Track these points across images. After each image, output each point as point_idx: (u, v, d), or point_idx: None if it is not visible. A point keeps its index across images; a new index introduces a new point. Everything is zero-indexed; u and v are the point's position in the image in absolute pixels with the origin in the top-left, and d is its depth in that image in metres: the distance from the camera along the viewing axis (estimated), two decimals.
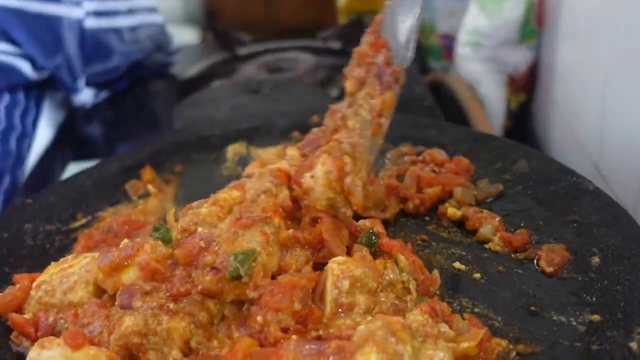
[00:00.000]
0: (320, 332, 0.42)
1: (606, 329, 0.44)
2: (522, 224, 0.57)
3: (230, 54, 1.26)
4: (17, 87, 1.01)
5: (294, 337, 0.41)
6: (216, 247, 0.45)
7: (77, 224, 0.65)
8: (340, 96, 1.00)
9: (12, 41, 0.99)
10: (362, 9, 1.43)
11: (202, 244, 0.46)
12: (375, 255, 0.50)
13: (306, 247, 0.48)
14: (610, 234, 0.52)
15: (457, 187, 0.61)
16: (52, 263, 0.52)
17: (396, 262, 0.47)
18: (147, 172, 0.71)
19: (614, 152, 0.76)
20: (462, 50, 1.17)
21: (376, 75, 0.57)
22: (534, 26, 1.09)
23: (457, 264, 0.54)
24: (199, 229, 0.48)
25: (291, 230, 0.49)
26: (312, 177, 0.52)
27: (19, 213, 0.65)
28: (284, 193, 0.52)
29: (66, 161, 0.98)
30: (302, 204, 0.52)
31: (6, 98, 0.99)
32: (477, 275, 0.52)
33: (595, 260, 0.50)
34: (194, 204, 0.53)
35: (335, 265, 0.45)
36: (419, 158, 0.66)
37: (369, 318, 0.42)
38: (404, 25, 0.57)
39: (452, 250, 0.56)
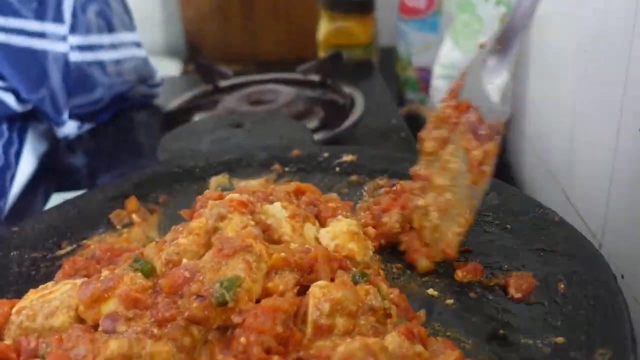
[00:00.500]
0: (301, 353, 0.44)
1: (570, 351, 0.46)
2: (492, 253, 0.60)
3: (212, 86, 1.28)
4: (0, 119, 1.03)
5: (276, 358, 0.43)
6: (201, 277, 0.47)
7: (62, 251, 0.67)
8: (318, 128, 1.03)
9: None
10: (340, 43, 1.46)
11: (187, 274, 0.48)
12: (355, 282, 0.52)
13: (295, 269, 0.50)
14: (574, 262, 0.55)
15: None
16: (31, 290, 0.52)
17: (378, 290, 0.49)
18: (132, 202, 0.72)
19: (583, 183, 0.80)
20: (437, 82, 1.20)
21: (470, 130, 0.58)
22: None
23: (430, 291, 0.56)
24: (184, 260, 0.50)
25: (283, 253, 0.50)
26: None
27: (5, 241, 0.66)
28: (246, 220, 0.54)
29: (49, 192, 0.99)
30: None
31: None
32: (450, 301, 0.55)
33: (561, 286, 0.53)
34: (167, 237, 0.55)
35: (317, 288, 0.47)
36: (392, 189, 0.69)
37: (348, 340, 0.44)
38: (495, 86, 0.59)
39: (426, 278, 0.58)
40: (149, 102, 1.32)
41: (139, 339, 0.44)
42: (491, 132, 0.58)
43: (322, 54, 1.50)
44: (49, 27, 1.05)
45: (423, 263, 0.59)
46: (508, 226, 0.63)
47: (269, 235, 0.55)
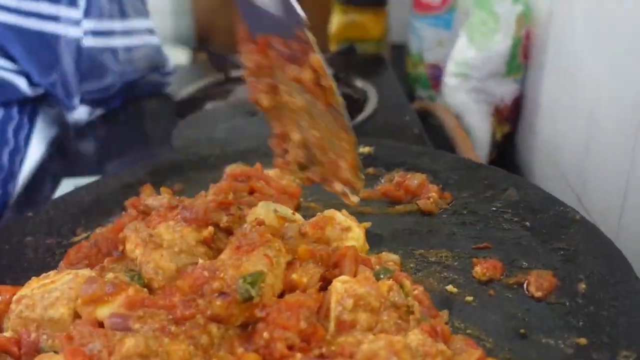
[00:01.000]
0: (323, 349, 0.44)
1: (592, 352, 0.46)
2: (511, 250, 0.59)
3: (223, 75, 1.28)
4: (11, 103, 1.02)
5: (299, 355, 0.42)
6: (221, 274, 0.46)
7: (77, 238, 0.66)
8: None
9: (9, 57, 1.00)
10: (353, 37, 1.46)
11: (205, 273, 0.47)
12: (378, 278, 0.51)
13: (319, 263, 0.50)
14: (595, 262, 0.55)
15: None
16: (33, 278, 0.52)
17: (401, 287, 0.49)
18: (147, 190, 0.72)
19: (597, 185, 0.79)
20: (450, 80, 1.20)
21: (284, 60, 0.54)
22: (521, 60, 1.13)
23: (449, 287, 0.56)
24: (200, 261, 0.49)
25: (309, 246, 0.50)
26: None
27: (19, 226, 0.66)
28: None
29: (58, 177, 0.99)
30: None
31: (0, 113, 1.00)
32: (469, 299, 0.54)
33: (582, 286, 0.53)
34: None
35: (339, 284, 0.47)
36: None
37: (371, 336, 0.43)
38: None
39: (445, 274, 0.58)
40: (160, 90, 1.31)
41: (155, 337, 0.43)
42: (301, 45, 0.53)
43: (333, 47, 1.49)
44: (63, 10, 1.04)
45: (337, 187, 0.58)
46: (527, 223, 0.62)
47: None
